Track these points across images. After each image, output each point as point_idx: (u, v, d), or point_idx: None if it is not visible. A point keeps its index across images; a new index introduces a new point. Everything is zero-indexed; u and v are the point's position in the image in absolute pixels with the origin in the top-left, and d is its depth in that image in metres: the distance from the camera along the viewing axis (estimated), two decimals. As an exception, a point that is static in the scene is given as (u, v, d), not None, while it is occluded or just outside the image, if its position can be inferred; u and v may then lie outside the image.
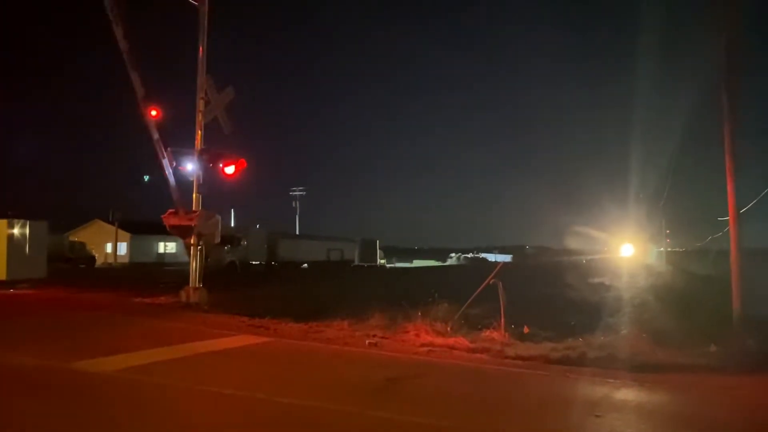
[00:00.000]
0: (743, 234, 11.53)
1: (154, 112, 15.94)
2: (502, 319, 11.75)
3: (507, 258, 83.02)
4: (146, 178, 16.54)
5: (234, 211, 59.80)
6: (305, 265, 51.52)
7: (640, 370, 9.02)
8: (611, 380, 8.57)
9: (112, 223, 58.90)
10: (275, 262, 47.97)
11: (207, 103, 17.10)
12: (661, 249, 38.66)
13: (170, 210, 16.75)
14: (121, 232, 59.75)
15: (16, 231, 23.83)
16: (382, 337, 11.54)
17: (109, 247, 60.63)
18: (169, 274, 33.06)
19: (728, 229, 11.72)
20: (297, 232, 70.89)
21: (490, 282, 12.43)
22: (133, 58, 15.41)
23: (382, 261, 66.76)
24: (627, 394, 8.09)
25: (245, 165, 17.07)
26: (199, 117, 17.10)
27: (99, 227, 63.85)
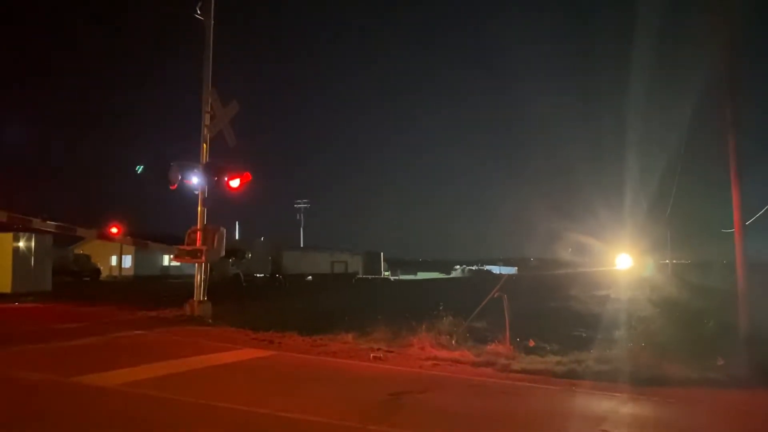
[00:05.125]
0: (749, 246, 11.47)
1: None
2: (507, 333, 11.70)
3: (512, 270, 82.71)
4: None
5: (238, 224, 59.94)
6: (309, 277, 51.43)
7: (647, 384, 8.95)
8: (618, 394, 8.51)
9: (116, 235, 58.92)
10: (279, 275, 47.91)
11: (212, 117, 17.21)
12: (666, 261, 38.41)
13: (176, 251, 17.68)
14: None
15: (21, 244, 23.95)
16: (387, 351, 11.49)
17: (113, 260, 60.69)
18: (174, 287, 33.06)
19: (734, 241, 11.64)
20: (301, 245, 70.90)
21: (495, 295, 12.40)
22: None
23: (387, 273, 66.60)
24: (634, 408, 8.03)
25: (250, 178, 17.13)
26: (205, 131, 17.21)
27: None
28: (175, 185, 16.58)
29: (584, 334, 13.80)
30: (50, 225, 18.29)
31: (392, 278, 65.92)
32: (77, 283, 41.10)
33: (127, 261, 62.08)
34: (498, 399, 8.58)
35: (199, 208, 17.08)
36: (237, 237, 54.51)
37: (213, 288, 18.03)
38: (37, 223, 17.97)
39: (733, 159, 11.29)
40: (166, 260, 65.25)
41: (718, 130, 11.74)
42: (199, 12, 17.13)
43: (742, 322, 10.91)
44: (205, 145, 17.16)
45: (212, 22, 17.26)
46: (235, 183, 16.90)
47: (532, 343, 11.91)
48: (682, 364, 9.91)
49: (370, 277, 57.96)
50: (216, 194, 17.33)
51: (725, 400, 8.59)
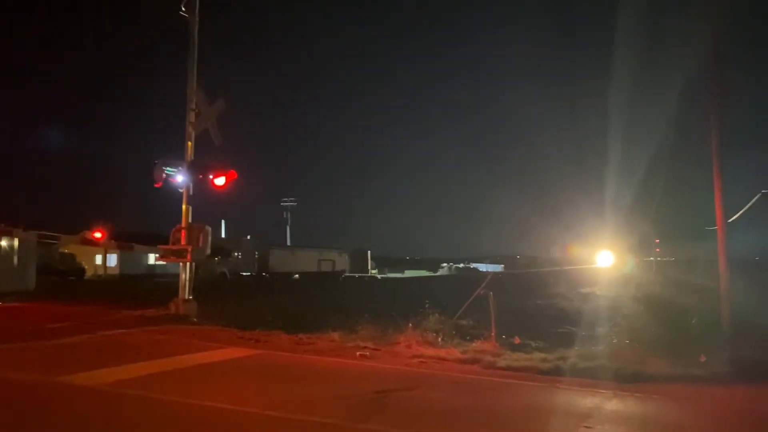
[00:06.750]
0: (732, 243, 11.60)
1: None
2: (493, 330, 11.76)
3: (498, 268, 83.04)
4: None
5: (225, 223, 59.52)
6: (296, 275, 51.34)
7: (631, 381, 9.04)
8: (602, 391, 8.58)
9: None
10: (266, 273, 47.77)
11: (198, 115, 17.07)
12: (651, 258, 38.79)
13: (161, 251, 17.95)
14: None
15: (4, 243, 23.59)
16: (374, 349, 11.50)
17: (98, 259, 60.08)
18: (160, 286, 32.83)
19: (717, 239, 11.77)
20: (288, 243, 70.69)
21: (481, 292, 12.45)
22: None
23: (374, 271, 66.65)
24: (618, 405, 8.10)
25: (236, 176, 17.02)
26: (189, 129, 17.06)
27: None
28: (160, 183, 16.44)
29: (569, 331, 13.90)
30: (32, 234, 18.07)
31: (379, 276, 65.94)
32: (62, 282, 40.67)
33: (112, 260, 61.42)
34: (484, 396, 8.62)
35: (183, 207, 16.94)
36: (223, 235, 54.10)
37: (199, 287, 17.92)
38: (18, 233, 17.74)
39: (715, 159, 11.43)
40: (152, 259, 64.69)
41: (703, 129, 11.87)
42: (183, 9, 17.00)
43: (725, 319, 11.05)
44: (190, 143, 17.02)
45: (197, 19, 17.13)
46: (220, 181, 16.78)
47: (517, 341, 11.98)
48: (665, 360, 10.02)
49: (357, 275, 57.92)
50: (201, 192, 17.22)
51: (708, 396, 8.70)
